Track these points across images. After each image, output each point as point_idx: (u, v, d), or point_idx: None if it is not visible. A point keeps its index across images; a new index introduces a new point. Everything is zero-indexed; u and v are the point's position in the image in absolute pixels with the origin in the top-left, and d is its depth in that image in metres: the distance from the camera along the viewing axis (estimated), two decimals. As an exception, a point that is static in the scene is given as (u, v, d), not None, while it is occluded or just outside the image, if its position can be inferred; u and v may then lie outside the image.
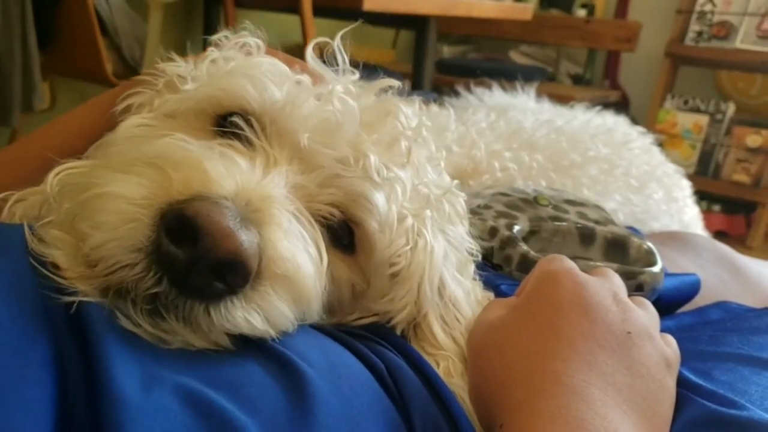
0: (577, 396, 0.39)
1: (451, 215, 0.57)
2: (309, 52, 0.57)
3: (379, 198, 0.49)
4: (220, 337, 0.40)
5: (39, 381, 0.32)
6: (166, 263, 0.38)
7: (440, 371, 0.51)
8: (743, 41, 2.91)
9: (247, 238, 0.39)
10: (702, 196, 2.89)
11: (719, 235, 2.82)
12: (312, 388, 0.38)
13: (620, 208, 0.79)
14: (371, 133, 0.51)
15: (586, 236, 0.63)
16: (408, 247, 0.51)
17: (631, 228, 0.77)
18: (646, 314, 0.46)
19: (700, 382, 0.48)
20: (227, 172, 0.43)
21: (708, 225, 2.85)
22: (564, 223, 0.63)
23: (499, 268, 0.60)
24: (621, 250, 0.62)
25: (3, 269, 0.38)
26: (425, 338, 0.53)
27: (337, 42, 0.56)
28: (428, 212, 0.53)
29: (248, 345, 0.41)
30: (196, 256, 0.37)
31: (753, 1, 2.91)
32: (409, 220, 0.51)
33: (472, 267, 0.58)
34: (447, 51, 3.62)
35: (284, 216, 0.44)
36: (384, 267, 0.51)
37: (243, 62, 0.55)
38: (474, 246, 0.57)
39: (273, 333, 0.42)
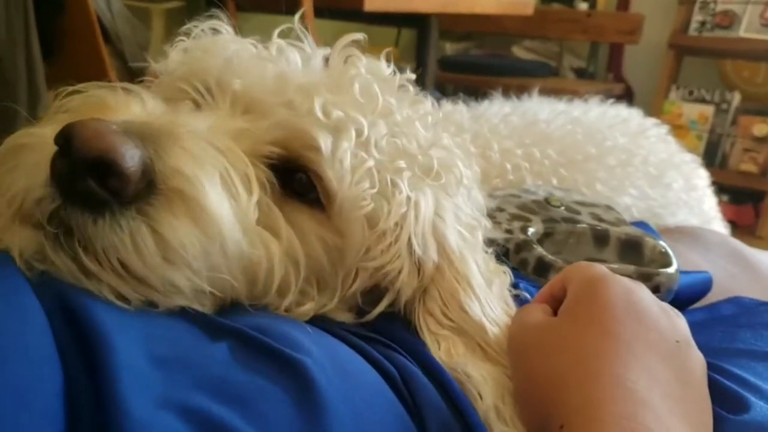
0: (642, 404, 0.38)
1: (444, 174, 0.54)
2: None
3: (323, 137, 0.47)
4: (145, 280, 0.40)
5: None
6: (55, 176, 0.39)
7: (441, 352, 0.49)
8: (747, 30, 2.90)
9: (125, 143, 0.39)
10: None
11: (728, 225, 2.81)
12: (325, 401, 0.38)
13: (635, 203, 0.78)
14: (330, 86, 0.50)
15: (601, 237, 0.62)
16: (374, 190, 0.49)
17: (641, 224, 0.76)
18: (684, 322, 0.46)
19: (715, 375, 0.48)
20: (134, 106, 0.44)
21: (716, 216, 2.87)
22: (578, 225, 0.63)
23: (514, 271, 0.60)
24: (635, 251, 0.62)
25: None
26: (430, 311, 0.51)
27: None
28: (402, 163, 0.51)
29: (258, 350, 0.40)
30: (72, 161, 0.38)
31: (756, -10, 2.90)
32: (370, 163, 0.49)
33: (480, 235, 0.55)
34: (449, 48, 3.61)
35: (197, 145, 0.43)
36: (351, 212, 0.49)
37: (206, 41, 0.55)
38: (480, 216, 0.55)
39: (171, 272, 0.41)
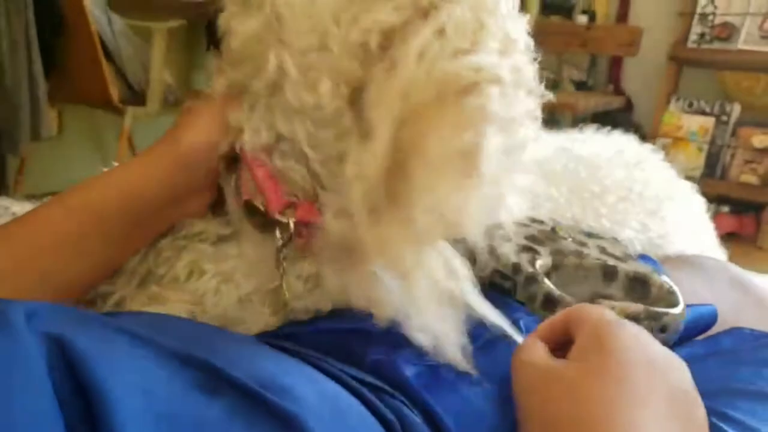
0: None
1: None
2: None
3: None
4: None
5: None
6: None
7: None
8: (746, 41, 2.91)
9: None
10: (710, 198, 2.88)
11: (729, 236, 2.82)
12: None
13: (637, 236, 0.79)
14: None
15: (608, 273, 0.63)
16: None
17: (646, 257, 0.77)
18: (687, 371, 0.46)
19: (716, 421, 0.48)
20: None
21: (717, 227, 2.84)
22: (586, 259, 0.63)
23: (522, 305, 0.60)
24: (642, 289, 0.62)
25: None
26: None
27: None
28: None
29: (257, 408, 0.40)
30: None
31: (754, 2, 2.91)
32: None
33: None
34: (449, 62, 3.62)
35: None
36: None
37: None
38: None
39: None
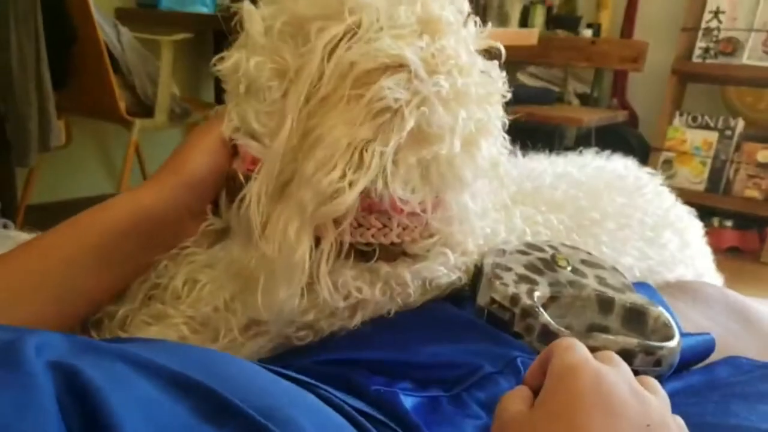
0: None
1: None
2: None
3: None
4: None
5: None
6: None
7: None
8: (750, 57, 2.92)
9: None
10: (714, 212, 2.90)
11: (732, 251, 2.83)
12: None
13: (636, 264, 0.80)
14: None
15: (605, 304, 0.64)
16: None
17: (644, 285, 0.78)
18: (659, 401, 0.47)
19: None
20: None
21: (721, 242, 2.88)
22: (584, 291, 0.64)
23: (519, 336, 0.61)
24: (639, 321, 0.63)
25: None
26: None
27: None
28: None
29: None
30: None
31: (759, 17, 2.92)
32: None
33: None
34: (454, 74, 3.64)
35: None
36: None
37: None
38: None
39: None
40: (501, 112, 0.67)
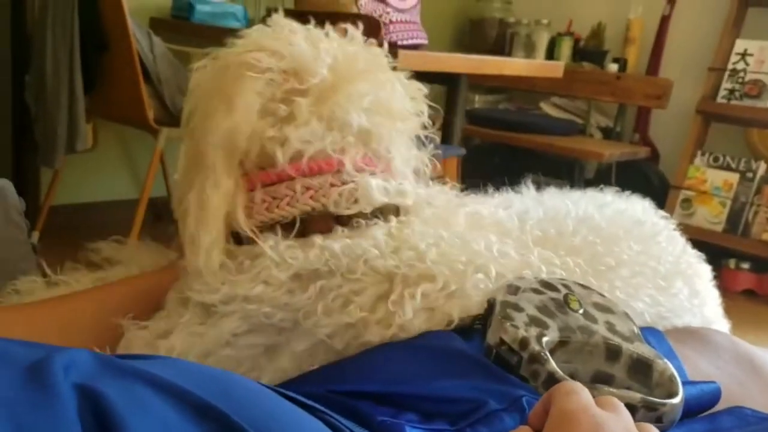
0: None
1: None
2: None
3: None
4: None
5: None
6: None
7: None
8: (775, 101, 2.92)
9: None
10: (731, 253, 2.89)
11: (748, 293, 2.81)
12: None
13: (647, 309, 0.81)
14: None
15: (613, 353, 0.64)
16: None
17: (653, 330, 0.79)
18: None
19: None
20: None
21: (736, 284, 2.86)
22: (593, 337, 0.65)
23: (525, 380, 0.62)
24: (644, 373, 0.64)
25: None
26: None
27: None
28: None
29: None
30: None
31: (787, 62, 2.92)
32: None
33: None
34: (478, 100, 3.66)
35: None
36: None
37: None
38: None
39: None
40: None
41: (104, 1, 2.23)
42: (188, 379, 0.48)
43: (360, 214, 0.72)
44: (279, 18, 0.78)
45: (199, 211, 0.69)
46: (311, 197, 0.71)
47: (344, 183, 0.72)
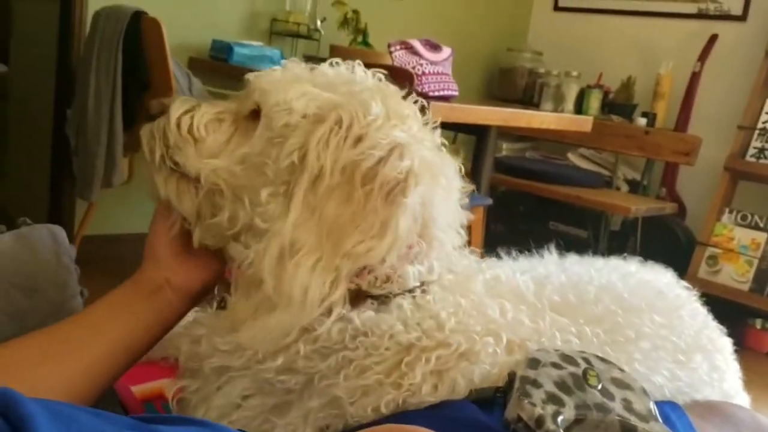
0: None
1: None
2: None
3: None
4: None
5: None
6: None
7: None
8: (805, 161, 2.92)
9: None
10: (757, 314, 2.86)
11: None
12: None
13: (666, 384, 0.82)
14: None
15: None
16: None
17: (672, 405, 0.80)
18: None
19: None
20: None
21: (762, 344, 2.82)
22: (608, 416, 0.67)
23: None
24: None
25: None
26: None
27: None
28: None
29: None
30: None
31: (817, 123, 2.92)
32: None
33: None
34: (506, 148, 3.70)
35: None
36: None
37: None
38: None
39: None
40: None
41: (148, 41, 2.31)
42: None
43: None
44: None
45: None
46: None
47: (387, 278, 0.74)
